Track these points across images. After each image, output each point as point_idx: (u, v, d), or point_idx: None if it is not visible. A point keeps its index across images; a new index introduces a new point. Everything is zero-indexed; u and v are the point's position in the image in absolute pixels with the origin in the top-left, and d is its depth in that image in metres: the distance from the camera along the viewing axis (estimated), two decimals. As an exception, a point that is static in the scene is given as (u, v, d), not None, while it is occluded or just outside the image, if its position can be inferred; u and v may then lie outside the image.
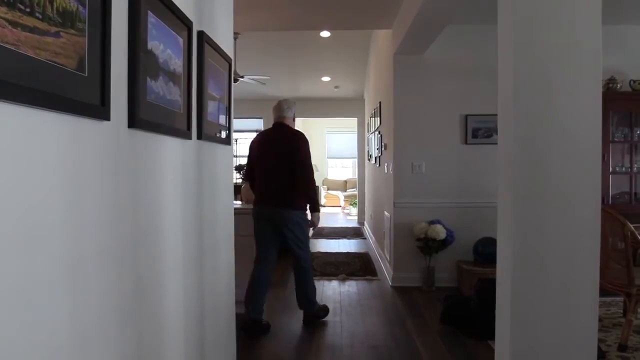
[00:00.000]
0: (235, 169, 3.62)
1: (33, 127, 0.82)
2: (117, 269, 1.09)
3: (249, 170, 3.29)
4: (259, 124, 9.27)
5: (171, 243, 1.44)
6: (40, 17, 0.80)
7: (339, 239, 6.98)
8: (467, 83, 4.24)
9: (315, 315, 3.24)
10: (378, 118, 5.66)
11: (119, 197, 1.09)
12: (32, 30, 0.78)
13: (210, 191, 1.88)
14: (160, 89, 1.30)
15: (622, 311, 3.31)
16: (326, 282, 4.47)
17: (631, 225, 2.64)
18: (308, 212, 3.17)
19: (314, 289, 3.22)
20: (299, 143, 3.08)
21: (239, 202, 3.89)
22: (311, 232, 5.88)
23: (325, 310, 3.33)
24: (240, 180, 3.92)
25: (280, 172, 3.06)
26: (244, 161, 9.07)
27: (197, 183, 1.70)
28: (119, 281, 1.10)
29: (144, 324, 1.22)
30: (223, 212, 2.10)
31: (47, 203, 0.85)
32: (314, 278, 3.94)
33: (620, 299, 3.47)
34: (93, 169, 0.99)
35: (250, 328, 3.00)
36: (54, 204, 0.87)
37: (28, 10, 0.77)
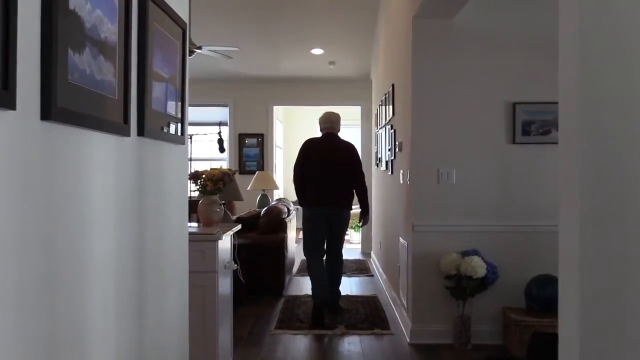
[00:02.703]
0: (191, 178, 3.62)
1: None
2: (20, 319, 1.07)
3: (299, 174, 5.13)
4: (223, 114, 9.29)
5: (99, 283, 1.43)
6: None
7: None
8: (515, 59, 4.29)
9: (339, 304, 5.23)
10: (390, 107, 5.69)
11: (24, 219, 1.09)
12: None
13: (155, 209, 1.88)
14: (86, 65, 1.30)
15: None
16: (316, 339, 4.45)
17: None
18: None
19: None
20: (356, 153, 5.23)
21: (196, 224, 3.88)
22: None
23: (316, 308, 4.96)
24: (197, 193, 3.93)
25: (341, 177, 5.06)
26: (201, 166, 9.03)
27: (137, 198, 1.70)
28: (21, 336, 1.08)
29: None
30: (174, 239, 2.09)
31: None
32: (299, 330, 4.65)
33: None
34: (-10, 179, 0.98)
35: (329, 307, 5.07)
36: None
37: None
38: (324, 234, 5.07)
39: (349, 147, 5.18)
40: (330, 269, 5.14)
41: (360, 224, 5.56)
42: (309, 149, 5.18)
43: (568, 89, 1.61)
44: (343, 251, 5.25)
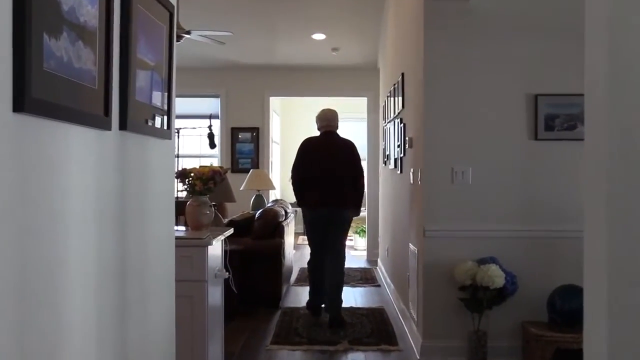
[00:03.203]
0: (178, 177, 3.63)
1: None
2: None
3: (298, 175, 5.45)
4: (215, 106, 9.30)
5: (75, 292, 1.43)
6: None
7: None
8: (537, 45, 4.30)
9: (341, 316, 5.28)
10: (400, 98, 5.70)
11: (-4, 221, 1.09)
12: None
13: (139, 211, 1.89)
14: (63, 51, 1.30)
15: None
16: (318, 355, 4.46)
17: None
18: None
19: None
20: (356, 151, 5.44)
21: (183, 228, 3.89)
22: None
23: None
24: (184, 194, 3.94)
25: (341, 177, 5.33)
26: (189, 164, 9.02)
27: (118, 198, 1.70)
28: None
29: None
30: (159, 244, 2.10)
31: None
32: (298, 346, 4.68)
33: None
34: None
35: (317, 310, 5.48)
36: None
37: None
38: (325, 235, 5.40)
39: (348, 145, 5.46)
40: (330, 273, 5.33)
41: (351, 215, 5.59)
42: (308, 148, 5.51)
43: (595, 80, 1.61)
44: (346, 258, 5.40)
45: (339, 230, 5.40)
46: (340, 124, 5.62)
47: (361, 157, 5.49)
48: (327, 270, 5.36)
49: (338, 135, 5.55)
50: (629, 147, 1.52)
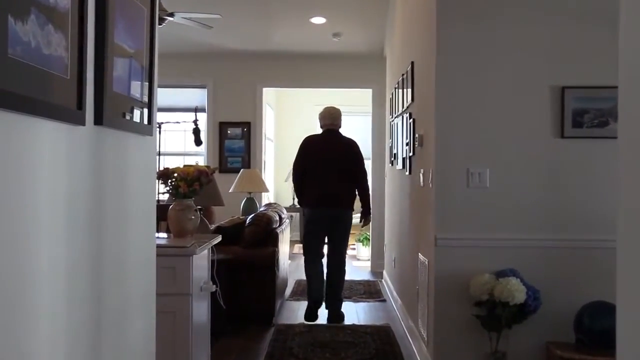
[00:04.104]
0: (160, 177, 3.64)
1: None
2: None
3: (299, 173, 6.14)
4: (201, 98, 9.30)
5: (44, 307, 1.43)
6: None
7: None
8: (565, 29, 4.29)
9: (340, 311, 6.14)
10: (409, 90, 5.71)
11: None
12: None
13: (116, 216, 1.88)
14: (31, 36, 1.30)
15: None
16: (316, 378, 4.46)
17: None
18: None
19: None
20: (359, 150, 6.14)
21: (165, 235, 3.89)
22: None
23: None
24: (167, 196, 3.95)
25: (343, 177, 5.97)
26: (173, 163, 9.02)
27: (93, 201, 1.70)
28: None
29: None
30: (138, 253, 2.10)
31: None
32: None
33: None
34: None
35: (330, 317, 6.07)
36: None
37: None
38: (324, 236, 6.14)
39: (351, 144, 6.15)
40: (330, 276, 6.11)
41: (362, 224, 6.53)
42: (309, 147, 6.19)
43: (630, 70, 1.61)
44: (346, 267, 5.89)
45: (340, 232, 6.10)
46: (342, 119, 6.12)
47: (365, 156, 5.80)
48: (328, 275, 6.11)
49: (340, 134, 6.19)
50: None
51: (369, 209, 6.35)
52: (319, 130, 6.37)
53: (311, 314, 6.03)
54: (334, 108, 6.27)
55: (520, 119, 4.31)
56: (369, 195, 6.29)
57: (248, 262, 5.84)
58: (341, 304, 6.18)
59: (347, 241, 6.31)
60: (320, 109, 6.42)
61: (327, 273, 6.13)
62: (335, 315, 6.04)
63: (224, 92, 9.24)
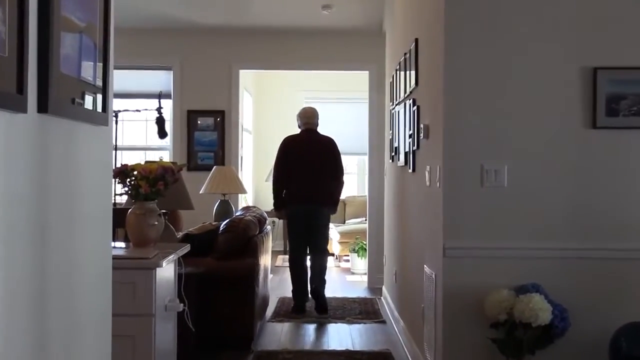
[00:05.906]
0: (117, 176, 3.62)
1: None
2: None
3: (283, 173, 7.48)
4: (166, 82, 9.29)
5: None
6: None
7: (331, 322, 7.00)
8: (595, 5, 4.31)
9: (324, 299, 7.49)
10: (412, 72, 5.73)
11: None
12: None
13: (64, 221, 1.88)
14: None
15: None
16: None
17: None
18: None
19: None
20: (337, 148, 7.63)
21: (123, 244, 3.88)
22: None
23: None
24: (125, 198, 3.94)
25: (323, 175, 7.38)
26: (132, 158, 9.01)
27: (36, 204, 1.69)
28: None
29: None
30: (90, 266, 2.10)
31: None
32: None
33: None
34: None
35: (316, 307, 7.35)
36: None
37: None
38: (305, 234, 7.49)
39: (330, 142, 7.60)
40: (313, 269, 7.48)
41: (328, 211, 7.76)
42: (290, 147, 7.48)
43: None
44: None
45: (320, 226, 7.55)
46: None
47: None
48: (311, 269, 7.50)
49: (319, 133, 7.67)
50: None
51: (337, 202, 7.85)
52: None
53: (298, 310, 7.29)
54: (310, 108, 7.87)
55: (545, 106, 4.32)
56: (341, 192, 7.86)
57: (222, 277, 5.82)
58: (324, 284, 7.54)
59: (327, 234, 7.89)
60: (312, 101, 7.39)
61: (310, 268, 7.54)
62: (322, 306, 7.31)
63: (193, 75, 9.22)
